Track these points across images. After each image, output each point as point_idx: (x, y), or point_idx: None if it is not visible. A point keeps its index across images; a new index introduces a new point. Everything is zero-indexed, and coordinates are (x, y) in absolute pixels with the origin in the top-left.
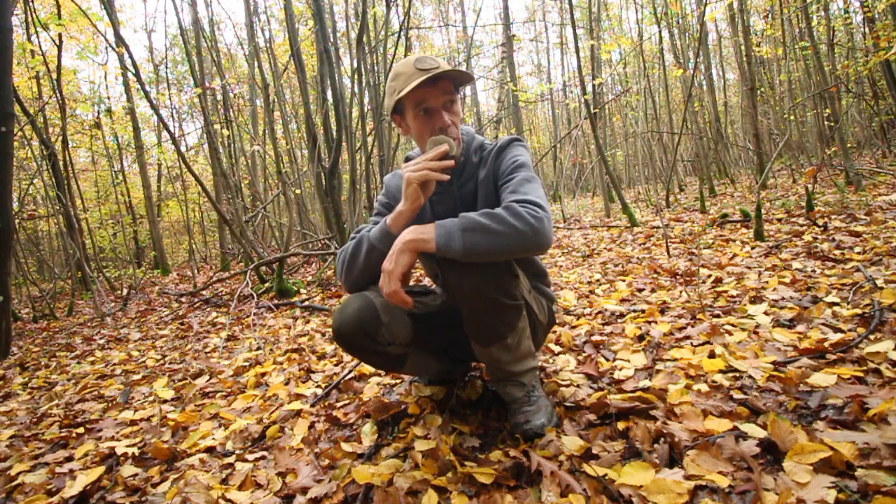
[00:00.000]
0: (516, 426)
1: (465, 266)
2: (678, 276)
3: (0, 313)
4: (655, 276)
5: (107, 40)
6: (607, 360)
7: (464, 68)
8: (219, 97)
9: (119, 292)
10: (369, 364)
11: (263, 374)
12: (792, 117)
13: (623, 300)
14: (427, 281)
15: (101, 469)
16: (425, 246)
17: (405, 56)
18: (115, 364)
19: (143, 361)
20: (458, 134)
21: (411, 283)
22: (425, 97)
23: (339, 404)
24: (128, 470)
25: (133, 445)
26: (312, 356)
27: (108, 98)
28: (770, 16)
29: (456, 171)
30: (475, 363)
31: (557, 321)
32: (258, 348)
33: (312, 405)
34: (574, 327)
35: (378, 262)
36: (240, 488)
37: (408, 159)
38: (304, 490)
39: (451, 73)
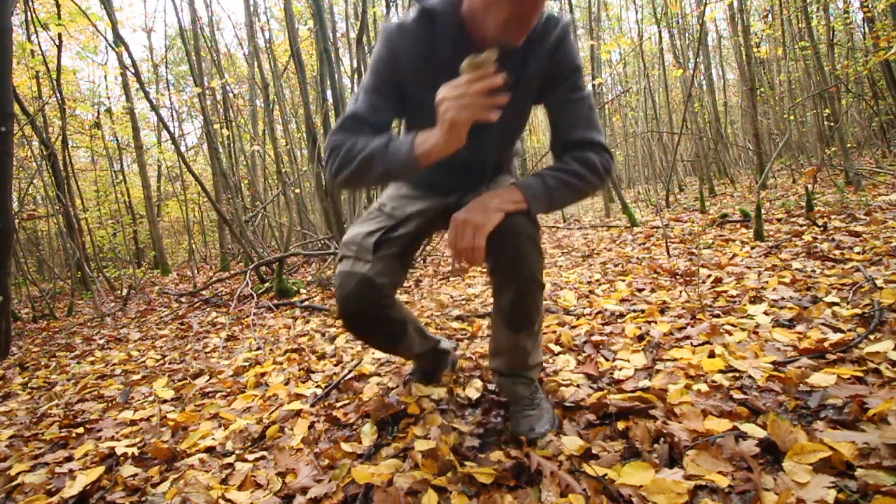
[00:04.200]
0: (519, 433)
1: (523, 251)
2: (678, 276)
3: (0, 313)
4: (655, 276)
5: (106, 40)
6: (607, 360)
7: None
8: (218, 97)
9: (119, 292)
10: (373, 342)
11: (263, 374)
12: (792, 117)
13: (623, 300)
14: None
15: (101, 469)
16: (517, 207)
17: None
18: (114, 364)
19: (143, 361)
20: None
21: (415, 252)
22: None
23: (338, 404)
24: (127, 470)
25: (133, 445)
26: (312, 356)
27: (108, 98)
28: (770, 16)
29: None
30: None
31: (558, 321)
32: (258, 348)
33: (312, 405)
34: (574, 327)
35: (391, 179)
36: (240, 488)
37: None
38: (304, 490)
39: None
